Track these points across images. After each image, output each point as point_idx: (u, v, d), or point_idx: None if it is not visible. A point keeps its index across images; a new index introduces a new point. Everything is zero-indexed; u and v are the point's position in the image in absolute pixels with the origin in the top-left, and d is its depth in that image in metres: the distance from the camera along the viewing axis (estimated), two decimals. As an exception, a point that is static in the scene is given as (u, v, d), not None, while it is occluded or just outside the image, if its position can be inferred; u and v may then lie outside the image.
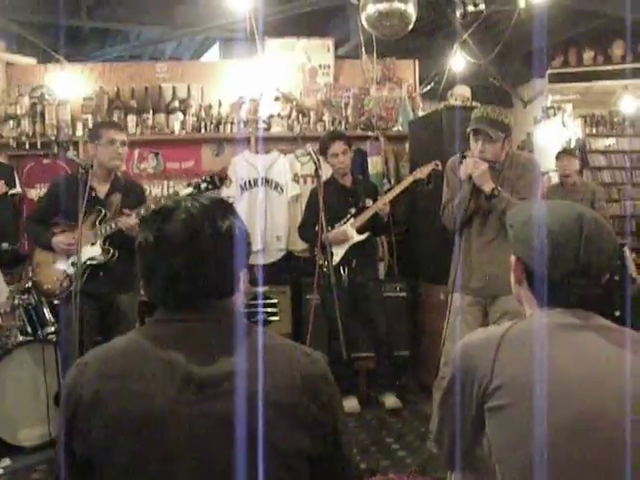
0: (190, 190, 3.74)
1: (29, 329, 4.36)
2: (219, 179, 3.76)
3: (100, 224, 3.74)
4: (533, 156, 3.68)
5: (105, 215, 3.76)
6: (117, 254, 3.75)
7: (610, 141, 9.07)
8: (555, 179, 7.56)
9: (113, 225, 3.67)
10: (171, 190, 5.96)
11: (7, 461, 3.93)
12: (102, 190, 3.81)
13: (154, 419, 1.24)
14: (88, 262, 3.69)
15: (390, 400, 4.76)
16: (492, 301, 3.59)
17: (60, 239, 3.76)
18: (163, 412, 1.24)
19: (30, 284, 4.22)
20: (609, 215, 5.84)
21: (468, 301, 3.61)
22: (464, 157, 3.52)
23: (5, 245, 4.94)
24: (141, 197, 4.02)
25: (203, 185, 3.72)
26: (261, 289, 4.73)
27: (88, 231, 3.70)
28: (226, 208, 1.41)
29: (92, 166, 3.56)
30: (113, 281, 3.76)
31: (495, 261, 3.50)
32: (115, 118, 5.75)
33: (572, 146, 6.98)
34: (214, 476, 1.24)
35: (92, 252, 3.71)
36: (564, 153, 6.09)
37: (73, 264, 3.71)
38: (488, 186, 3.43)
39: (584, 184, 6.07)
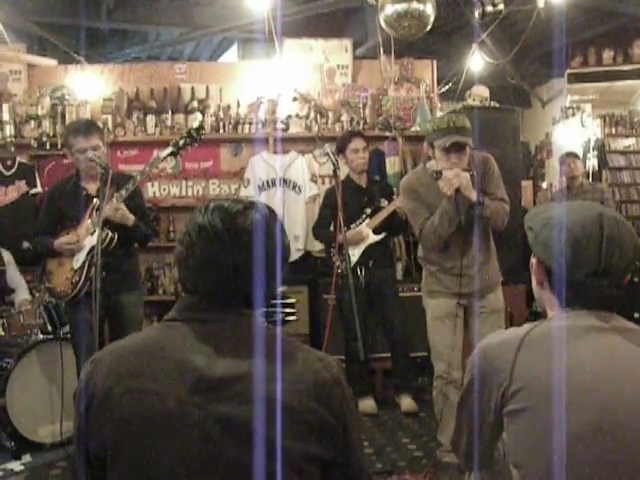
0: (170, 150, 3.71)
1: (49, 328, 4.41)
2: (196, 131, 3.74)
3: (97, 213, 3.65)
4: (487, 153, 3.64)
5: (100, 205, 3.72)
6: (116, 237, 3.69)
7: (630, 141, 9.00)
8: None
9: (101, 214, 3.56)
10: (189, 190, 5.99)
11: (27, 457, 3.97)
12: (92, 188, 3.78)
13: (164, 419, 1.24)
14: (93, 252, 3.56)
15: (406, 403, 4.75)
16: (479, 299, 3.56)
17: (62, 240, 3.75)
18: (174, 412, 1.24)
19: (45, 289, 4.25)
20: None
21: (453, 304, 3.57)
22: (438, 174, 3.39)
23: (26, 244, 4.98)
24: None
25: (181, 142, 3.71)
26: (280, 289, 4.74)
27: (89, 223, 3.71)
28: (280, 221, 1.43)
29: (107, 168, 3.54)
30: (116, 281, 3.71)
31: (480, 262, 3.52)
32: (134, 118, 5.80)
33: (591, 146, 6.94)
34: (224, 478, 1.24)
35: (93, 240, 3.64)
36: (568, 155, 6.10)
37: (82, 258, 3.72)
38: (473, 195, 3.36)
39: (591, 184, 6.07)
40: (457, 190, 3.34)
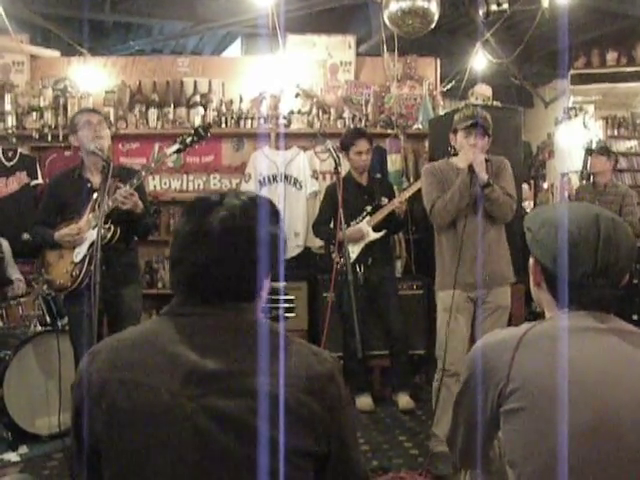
0: (177, 147, 3.70)
1: (48, 319, 4.41)
2: (203, 129, 3.73)
3: (99, 207, 3.64)
4: (504, 158, 3.82)
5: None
6: (118, 231, 3.70)
7: (632, 143, 8.98)
8: (575, 180, 7.54)
9: (110, 203, 3.59)
10: (190, 184, 5.99)
11: (24, 448, 3.98)
12: (96, 180, 3.76)
13: (157, 412, 1.25)
14: (93, 247, 3.53)
15: (403, 401, 4.76)
16: (485, 293, 3.65)
17: (63, 232, 3.74)
18: (167, 406, 1.25)
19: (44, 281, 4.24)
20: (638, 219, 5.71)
21: (463, 298, 3.65)
22: (456, 152, 3.66)
23: (26, 236, 4.99)
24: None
25: (189, 139, 3.69)
26: (282, 284, 4.73)
27: (90, 217, 3.69)
28: (269, 212, 1.41)
29: (108, 161, 3.53)
30: (116, 274, 3.71)
31: (489, 255, 3.62)
32: (136, 111, 5.79)
33: (592, 148, 6.91)
34: (216, 471, 1.24)
35: (95, 234, 3.55)
36: (596, 152, 6.00)
37: (82, 252, 3.71)
38: (484, 176, 3.52)
39: (615, 186, 5.93)
40: (471, 166, 3.52)
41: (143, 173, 3.70)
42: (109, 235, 3.64)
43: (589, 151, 6.31)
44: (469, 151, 3.55)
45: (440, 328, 3.72)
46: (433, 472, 3.55)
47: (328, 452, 1.32)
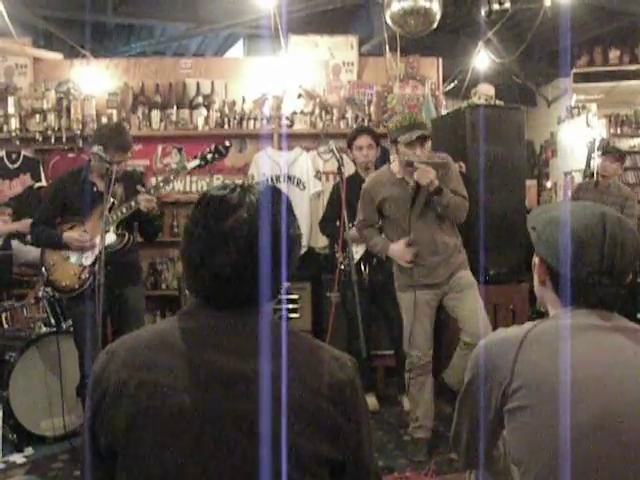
0: (197, 162, 3.73)
1: (52, 321, 4.42)
2: (223, 147, 3.77)
3: (110, 212, 3.68)
4: (446, 154, 3.92)
5: (113, 204, 3.73)
6: (132, 238, 3.74)
7: (635, 141, 8.96)
8: (578, 179, 7.52)
9: (124, 210, 3.65)
10: (194, 186, 6.00)
11: (30, 450, 3.98)
12: (102, 185, 3.76)
13: (178, 414, 1.24)
14: (108, 250, 3.59)
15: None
16: (446, 281, 3.80)
17: (71, 234, 3.76)
18: (187, 408, 1.24)
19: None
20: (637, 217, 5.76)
21: (425, 298, 3.81)
22: (410, 164, 3.67)
23: (29, 238, 5.00)
24: (142, 180, 4.08)
25: (209, 156, 3.73)
26: (286, 284, 4.73)
27: (98, 222, 3.69)
28: (288, 209, 1.38)
29: (111, 164, 3.55)
30: (120, 275, 3.74)
31: (444, 252, 3.76)
32: (139, 113, 5.80)
33: (596, 146, 6.91)
34: (234, 475, 1.23)
35: (107, 240, 3.62)
36: (607, 152, 6.04)
37: (93, 256, 3.73)
38: (434, 184, 3.61)
39: (618, 187, 5.99)
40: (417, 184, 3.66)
41: (161, 184, 3.74)
42: (124, 241, 3.69)
43: (592, 149, 6.32)
44: (427, 171, 3.59)
45: (406, 326, 3.90)
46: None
47: (345, 458, 1.31)
